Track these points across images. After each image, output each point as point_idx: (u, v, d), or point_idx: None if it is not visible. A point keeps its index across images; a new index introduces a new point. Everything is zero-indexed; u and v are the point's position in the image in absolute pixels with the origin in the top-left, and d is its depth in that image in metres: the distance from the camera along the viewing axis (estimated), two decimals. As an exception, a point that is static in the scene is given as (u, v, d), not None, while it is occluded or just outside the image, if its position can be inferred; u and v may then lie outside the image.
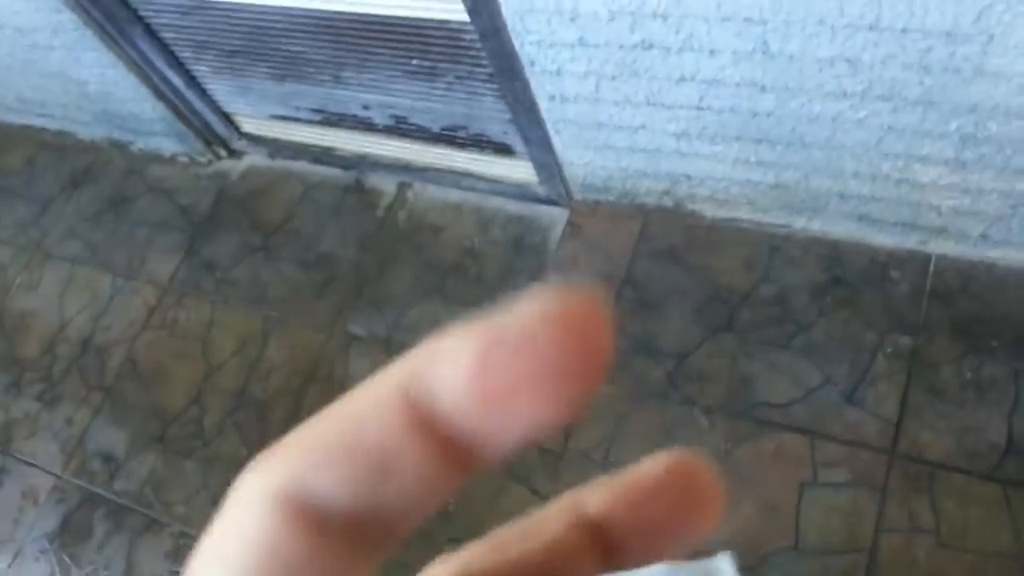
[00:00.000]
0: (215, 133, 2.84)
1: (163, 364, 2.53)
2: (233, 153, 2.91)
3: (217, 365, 2.46)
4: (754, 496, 1.79)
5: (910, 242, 2.00)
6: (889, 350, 1.89)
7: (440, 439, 0.20)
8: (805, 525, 1.74)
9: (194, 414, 2.39)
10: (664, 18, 1.61)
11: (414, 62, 2.17)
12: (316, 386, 2.33)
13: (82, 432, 2.49)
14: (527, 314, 0.20)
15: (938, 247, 1.98)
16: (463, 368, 0.19)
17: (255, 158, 2.87)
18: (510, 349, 0.19)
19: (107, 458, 2.42)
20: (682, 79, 1.76)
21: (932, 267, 1.97)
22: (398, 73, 2.24)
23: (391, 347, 2.31)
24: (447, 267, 2.43)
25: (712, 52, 1.66)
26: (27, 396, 2.62)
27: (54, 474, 2.45)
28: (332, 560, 0.21)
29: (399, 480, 0.20)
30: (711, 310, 2.06)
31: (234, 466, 2.06)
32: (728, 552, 0.24)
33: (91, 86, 2.79)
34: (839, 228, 2.05)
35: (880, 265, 2.00)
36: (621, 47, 1.73)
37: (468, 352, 0.19)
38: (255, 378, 2.40)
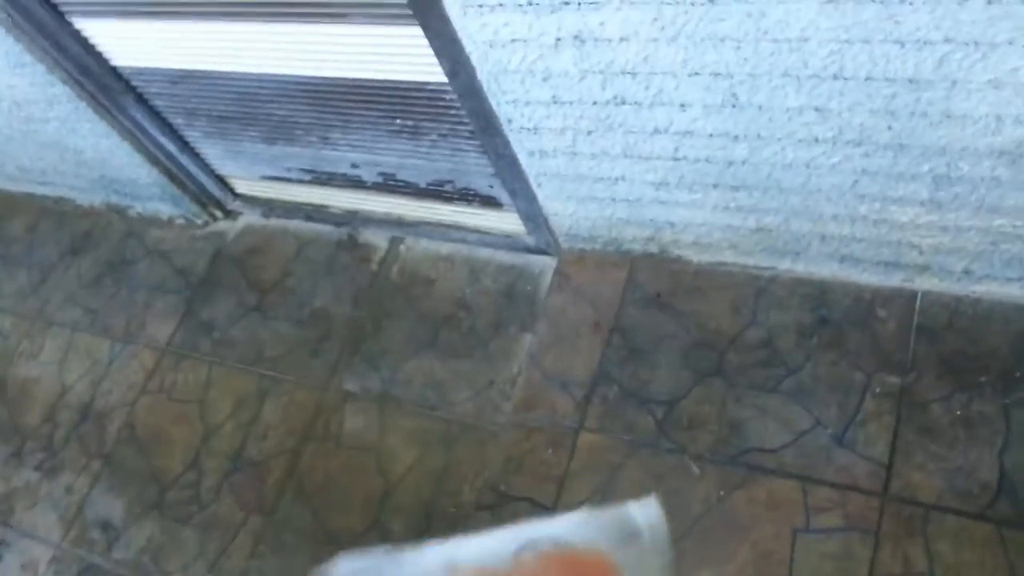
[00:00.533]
0: (210, 195, 2.89)
1: (161, 428, 2.55)
2: (229, 214, 2.96)
3: (214, 427, 2.48)
4: (747, 544, 1.78)
5: (894, 280, 2.00)
6: (878, 390, 1.89)
7: None
8: (799, 572, 1.73)
9: (191, 478, 2.40)
10: (633, 75, 1.65)
11: (398, 122, 2.21)
12: (312, 445, 2.35)
13: (81, 500, 2.50)
14: None
15: (923, 284, 1.99)
16: None
17: (250, 218, 2.92)
18: None
19: (106, 527, 2.43)
20: (656, 132, 1.79)
21: (918, 304, 1.97)
22: (383, 133, 2.29)
23: (386, 402, 2.32)
24: (440, 319, 2.45)
25: (683, 105, 1.69)
26: (28, 466, 2.64)
27: (53, 544, 2.46)
28: None
29: None
30: (699, 355, 2.07)
31: (230, 530, 2.05)
32: (652, 497, 0.23)
33: (87, 154, 2.85)
34: (823, 269, 2.06)
35: (866, 303, 2.01)
36: (595, 103, 1.76)
37: None
38: (251, 439, 2.42)
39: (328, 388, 2.43)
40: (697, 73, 1.60)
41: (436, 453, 2.21)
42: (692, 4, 1.45)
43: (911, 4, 1.34)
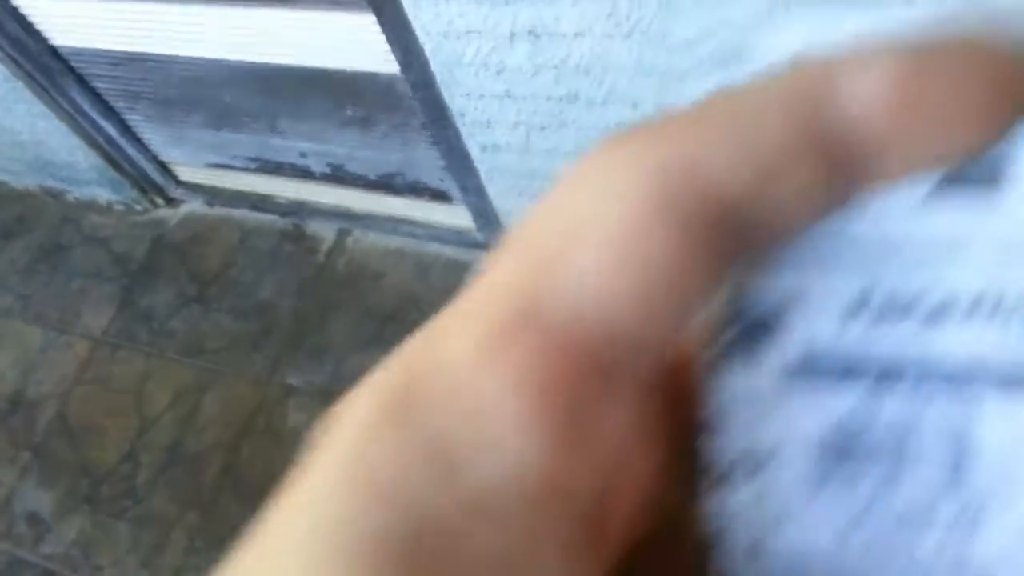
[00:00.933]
0: (151, 181, 2.82)
1: (95, 420, 2.47)
2: (171, 201, 2.88)
3: (151, 420, 2.41)
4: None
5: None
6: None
7: (832, 154, 0.17)
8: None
9: (126, 471, 2.34)
10: (587, 72, 1.65)
11: (348, 112, 2.18)
12: (252, 439, 2.30)
13: (9, 493, 2.41)
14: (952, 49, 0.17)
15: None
16: (881, 81, 0.17)
17: (193, 206, 2.85)
18: (938, 76, 0.17)
19: (34, 520, 2.35)
20: (608, 129, 1.79)
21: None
22: (334, 122, 2.25)
23: (330, 397, 2.26)
24: (387, 314, 2.42)
25: (635, 104, 1.70)
26: (-49, 458, 2.54)
27: (-23, 539, 2.37)
28: (698, 265, 0.17)
29: (784, 187, 0.17)
30: (646, 354, 2.08)
31: (166, 525, 1.99)
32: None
33: (23, 136, 2.75)
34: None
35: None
36: (548, 99, 1.76)
37: (889, 69, 0.17)
38: (190, 432, 2.36)
39: (270, 382, 2.39)
40: (650, 73, 1.61)
41: (380, 448, 2.18)
42: (647, 1, 1.46)
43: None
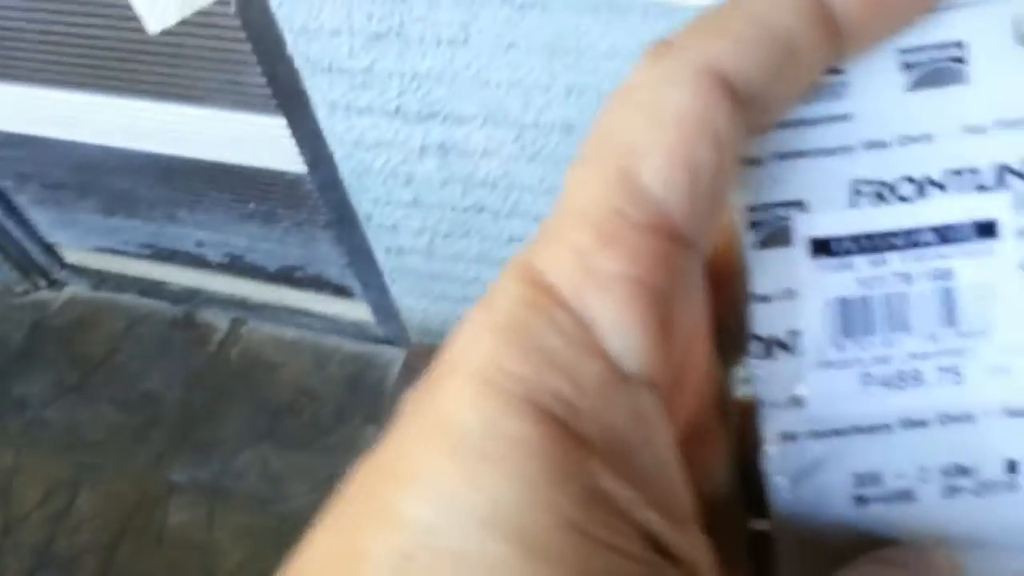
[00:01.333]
0: (33, 263, 2.70)
1: (-46, 520, 2.29)
2: (53, 284, 2.76)
3: (19, 519, 2.25)
4: None
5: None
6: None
7: (832, 26, 0.21)
8: None
9: (-14, 578, 2.17)
10: (493, 187, 1.71)
11: (251, 206, 2.18)
12: (130, 540, 2.18)
13: None
14: None
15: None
16: None
17: (77, 289, 2.74)
18: None
19: None
20: (511, 240, 1.85)
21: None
22: (234, 215, 2.24)
23: (216, 496, 2.20)
24: (281, 407, 2.37)
25: (537, 218, 1.77)
26: None
27: None
28: (742, 140, 0.20)
29: (800, 65, 0.21)
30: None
31: (27, 638, 1.82)
32: None
33: None
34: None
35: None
36: (453, 209, 1.81)
37: None
38: (62, 533, 2.21)
39: (152, 478, 2.28)
40: (551, 191, 1.69)
41: (269, 552, 2.11)
42: (552, 128, 1.54)
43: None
